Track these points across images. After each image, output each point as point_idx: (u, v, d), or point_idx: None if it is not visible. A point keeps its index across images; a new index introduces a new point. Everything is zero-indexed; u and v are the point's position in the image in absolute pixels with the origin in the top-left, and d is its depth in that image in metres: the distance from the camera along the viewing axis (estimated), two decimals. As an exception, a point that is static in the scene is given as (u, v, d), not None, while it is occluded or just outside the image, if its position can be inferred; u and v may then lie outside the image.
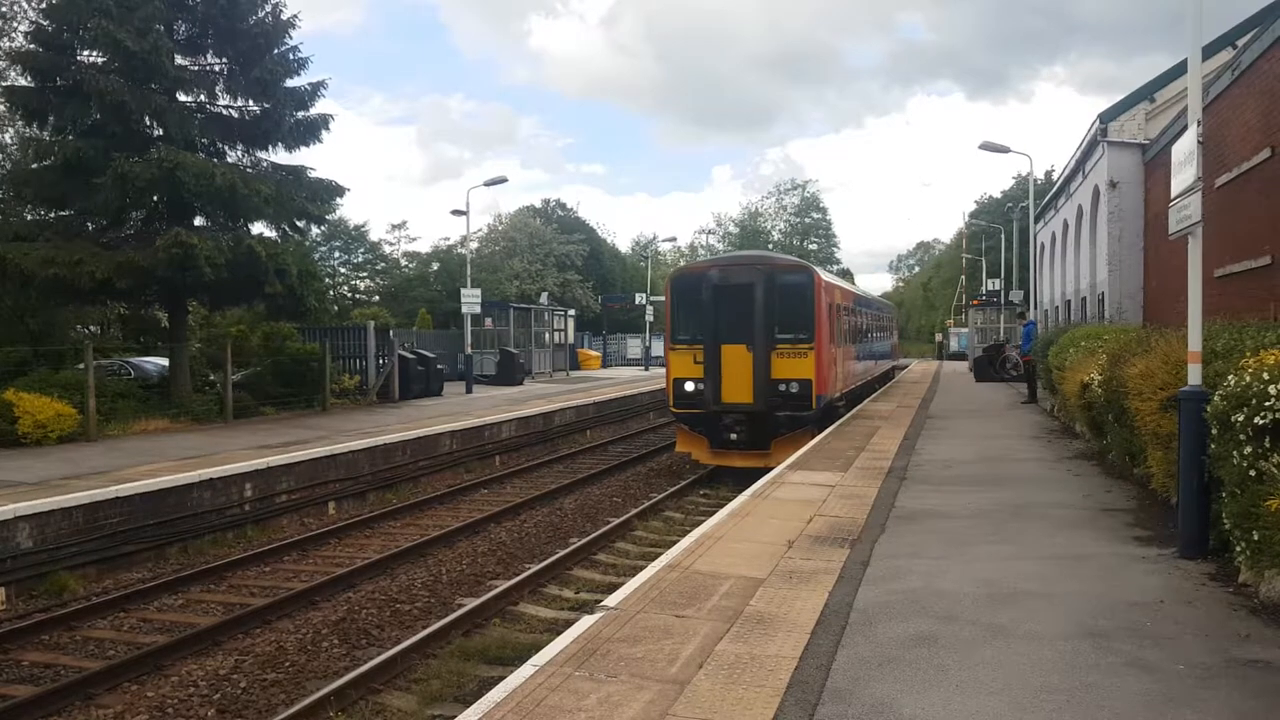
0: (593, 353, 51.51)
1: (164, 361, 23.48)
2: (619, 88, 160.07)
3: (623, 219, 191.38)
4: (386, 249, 66.46)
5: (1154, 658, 5.14)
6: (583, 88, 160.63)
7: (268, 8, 21.77)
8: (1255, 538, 5.78)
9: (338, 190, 23.35)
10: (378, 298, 60.18)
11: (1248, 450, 5.80)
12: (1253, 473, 5.76)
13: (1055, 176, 40.18)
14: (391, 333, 27.68)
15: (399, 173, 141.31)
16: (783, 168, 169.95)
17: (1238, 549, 6.23)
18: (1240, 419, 5.88)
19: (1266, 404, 5.66)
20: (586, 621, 5.97)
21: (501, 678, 5.22)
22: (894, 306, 50.14)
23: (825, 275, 18.77)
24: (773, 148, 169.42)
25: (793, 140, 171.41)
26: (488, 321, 37.84)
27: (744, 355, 16.70)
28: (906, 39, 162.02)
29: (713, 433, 17.19)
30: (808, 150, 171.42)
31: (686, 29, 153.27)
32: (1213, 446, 6.51)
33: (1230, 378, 6.35)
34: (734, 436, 16.84)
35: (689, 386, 17.15)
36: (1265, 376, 5.81)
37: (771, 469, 12.67)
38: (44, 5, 20.87)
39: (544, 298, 47.57)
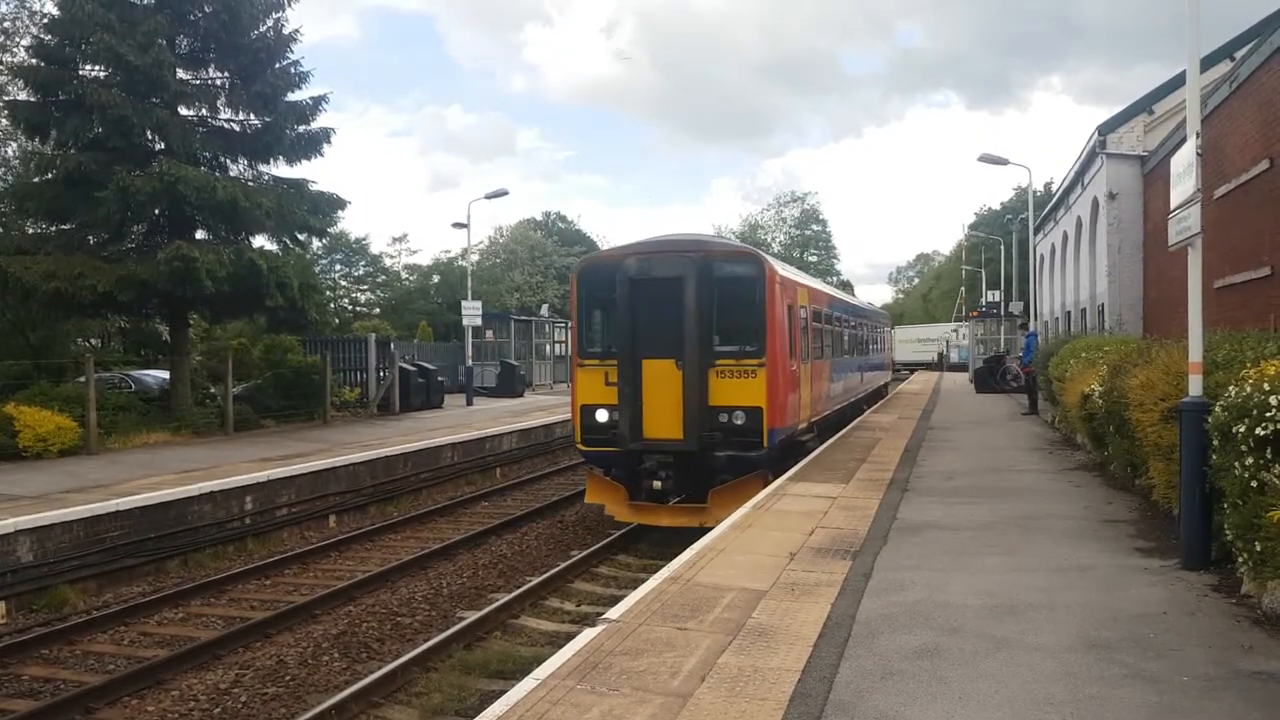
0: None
1: (165, 374, 23.48)
2: (617, 97, 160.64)
3: (623, 231, 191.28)
4: (387, 261, 66.72)
5: (1157, 669, 5.13)
6: (581, 97, 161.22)
7: (269, 22, 21.88)
8: (1258, 549, 5.78)
9: (339, 203, 23.42)
10: (378, 310, 60.27)
11: (1249, 461, 5.80)
12: (1254, 484, 5.76)
13: (1054, 188, 40.27)
14: (392, 345, 27.71)
15: (399, 185, 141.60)
16: (782, 178, 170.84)
17: (1240, 560, 6.22)
18: (1242, 430, 5.87)
19: (1268, 415, 5.66)
20: (588, 634, 5.96)
21: (503, 691, 5.21)
22: (887, 315, 42.88)
23: (783, 268, 14.80)
24: (772, 158, 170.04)
25: (792, 150, 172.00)
26: (488, 333, 37.89)
27: (671, 375, 12.71)
28: (905, 47, 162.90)
29: (631, 479, 13.26)
30: (807, 160, 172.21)
31: (684, 38, 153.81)
32: (1214, 457, 6.50)
33: (1231, 389, 6.35)
34: (658, 485, 12.81)
35: (601, 416, 13.29)
36: (1266, 387, 5.81)
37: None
38: (46, 20, 21.01)
39: (545, 310, 47.64)
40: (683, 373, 12.67)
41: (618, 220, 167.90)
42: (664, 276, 12.80)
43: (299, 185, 22.81)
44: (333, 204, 23.34)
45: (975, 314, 45.27)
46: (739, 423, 12.74)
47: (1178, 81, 20.54)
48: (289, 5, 21.98)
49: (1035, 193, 32.93)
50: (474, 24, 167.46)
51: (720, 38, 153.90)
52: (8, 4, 25.44)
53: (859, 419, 22.69)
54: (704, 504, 12.61)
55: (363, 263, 64.89)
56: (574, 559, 12.20)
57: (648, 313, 12.81)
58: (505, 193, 33.13)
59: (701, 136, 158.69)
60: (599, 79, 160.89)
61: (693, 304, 12.63)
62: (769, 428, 12.75)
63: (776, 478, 12.70)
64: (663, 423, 12.76)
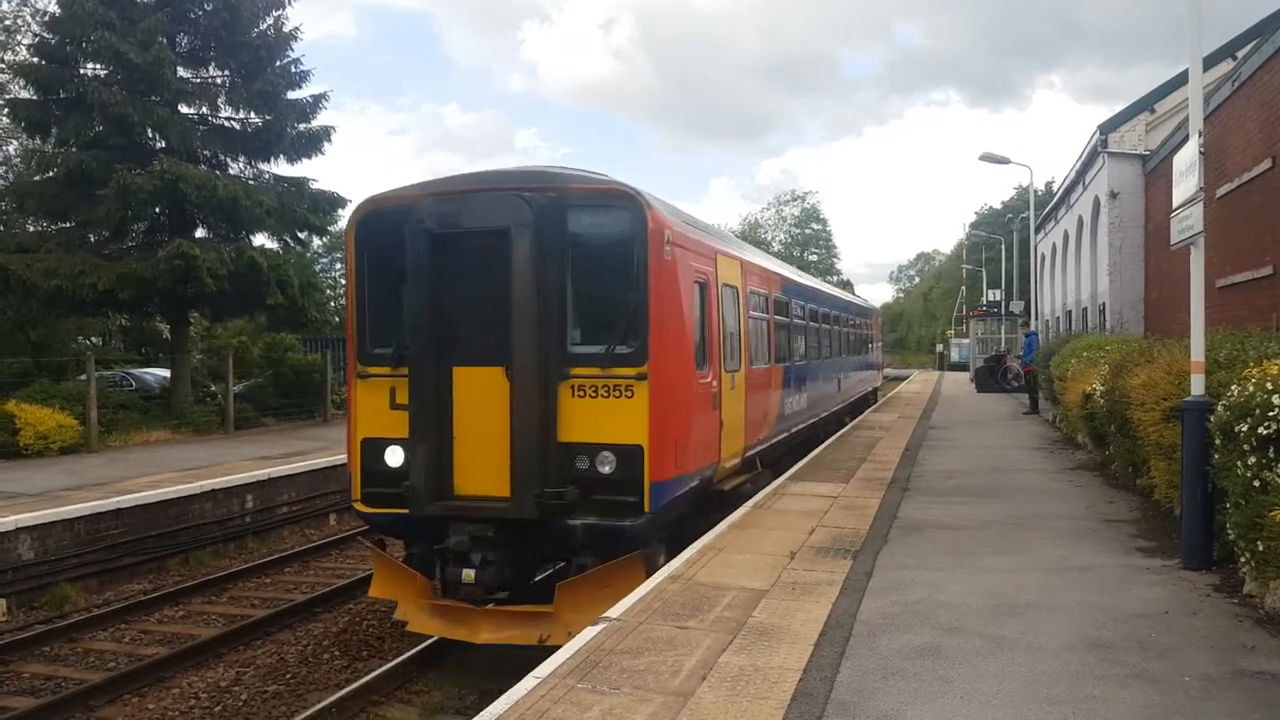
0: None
1: (165, 373, 23.52)
2: (615, 96, 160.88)
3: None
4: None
5: (1158, 669, 5.12)
6: (579, 96, 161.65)
7: (270, 20, 21.90)
8: (1260, 548, 5.76)
9: (339, 202, 23.43)
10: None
11: (1252, 461, 5.79)
12: (1257, 483, 5.75)
13: (1055, 187, 40.27)
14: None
15: (397, 183, 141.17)
16: (781, 177, 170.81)
17: (1242, 560, 6.21)
18: (1244, 429, 5.86)
19: (1270, 414, 5.65)
20: (589, 633, 5.95)
21: (504, 690, 5.20)
22: (875, 308, 35.58)
23: (680, 221, 9.15)
24: (771, 157, 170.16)
25: (791, 149, 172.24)
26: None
27: (496, 392, 8.04)
28: (904, 47, 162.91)
29: (430, 562, 8.51)
30: (806, 160, 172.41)
31: (682, 37, 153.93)
32: (1216, 457, 6.50)
33: (1234, 388, 6.34)
34: (469, 575, 7.99)
35: (393, 458, 8.43)
36: (1269, 387, 5.80)
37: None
38: (47, 18, 21.00)
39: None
40: (512, 388, 7.88)
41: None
42: (482, 229, 8.01)
43: (299, 184, 22.81)
44: (333, 202, 23.35)
45: (976, 313, 45.23)
46: (605, 471, 7.97)
47: (1179, 80, 20.52)
48: (289, 3, 22.13)
49: (1036, 192, 32.95)
50: (471, 22, 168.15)
51: (718, 37, 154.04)
52: (9, 2, 25.43)
53: (858, 419, 22.65)
54: (548, 606, 7.94)
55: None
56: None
57: (457, 290, 8.22)
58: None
59: (700, 135, 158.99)
60: (597, 78, 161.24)
61: (528, 274, 7.83)
62: (653, 480, 7.91)
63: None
64: (481, 471, 8.09)
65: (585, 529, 8.03)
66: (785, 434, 13.64)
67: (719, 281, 10.00)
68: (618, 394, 8.01)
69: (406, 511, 8.25)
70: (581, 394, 8.08)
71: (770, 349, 12.76)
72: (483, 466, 8.12)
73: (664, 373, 8.11)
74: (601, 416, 8.04)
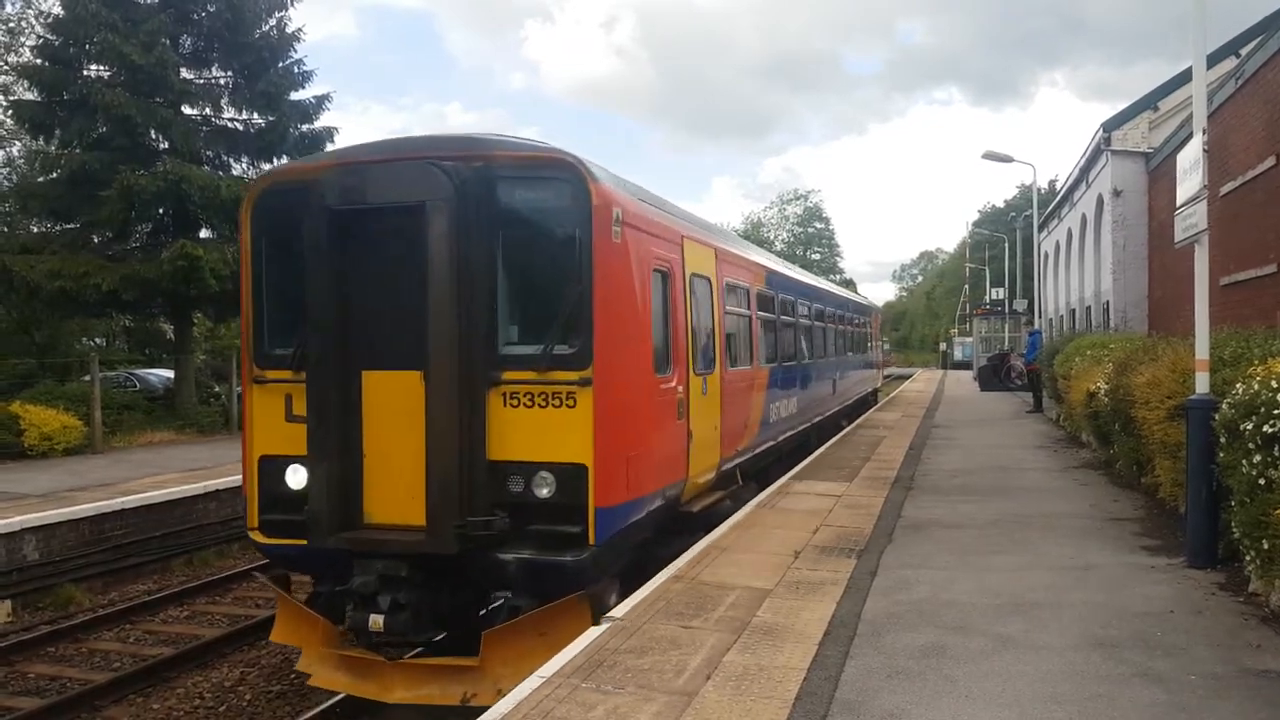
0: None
1: (169, 373, 23.55)
2: (617, 95, 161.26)
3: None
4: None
5: (1164, 668, 5.11)
6: (581, 95, 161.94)
7: (272, 21, 21.93)
8: (1265, 547, 5.75)
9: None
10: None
11: (1257, 459, 5.77)
12: (1262, 481, 5.73)
13: (1059, 185, 40.22)
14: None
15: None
16: (784, 176, 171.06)
17: (1247, 558, 6.20)
18: (1249, 427, 5.85)
19: (1276, 412, 5.63)
20: (593, 633, 5.95)
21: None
22: (875, 305, 33.55)
23: (635, 198, 7.84)
24: (773, 156, 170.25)
25: (793, 148, 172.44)
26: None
27: (413, 399, 6.81)
28: (905, 45, 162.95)
29: (338, 603, 7.03)
30: (809, 158, 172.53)
31: (683, 36, 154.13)
32: (1221, 455, 6.48)
33: (1239, 386, 6.33)
34: (377, 619, 6.65)
35: (296, 479, 7.18)
36: (1274, 384, 5.79)
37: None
38: (51, 20, 21.05)
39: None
40: (428, 396, 6.66)
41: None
42: (393, 205, 6.80)
43: (303, 184, 22.78)
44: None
45: (980, 311, 45.21)
46: (543, 495, 6.77)
47: (1183, 78, 20.49)
48: (292, 4, 22.07)
49: (1039, 190, 32.91)
50: (472, 22, 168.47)
51: (720, 35, 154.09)
52: (13, 4, 25.49)
53: (862, 417, 22.63)
54: (473, 659, 6.70)
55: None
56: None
57: (368, 279, 7.04)
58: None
59: (701, 134, 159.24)
60: (599, 76, 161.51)
61: (447, 258, 6.61)
62: (600, 505, 6.70)
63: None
64: (396, 496, 6.90)
65: (519, 565, 6.73)
66: (771, 443, 12.47)
67: (686, 271, 8.74)
68: (558, 402, 6.80)
69: (305, 544, 6.92)
70: (515, 403, 6.85)
71: (753, 349, 11.54)
72: (397, 490, 6.85)
73: (613, 377, 6.89)
74: (539, 430, 6.79)
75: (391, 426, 6.89)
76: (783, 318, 13.53)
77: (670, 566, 7.65)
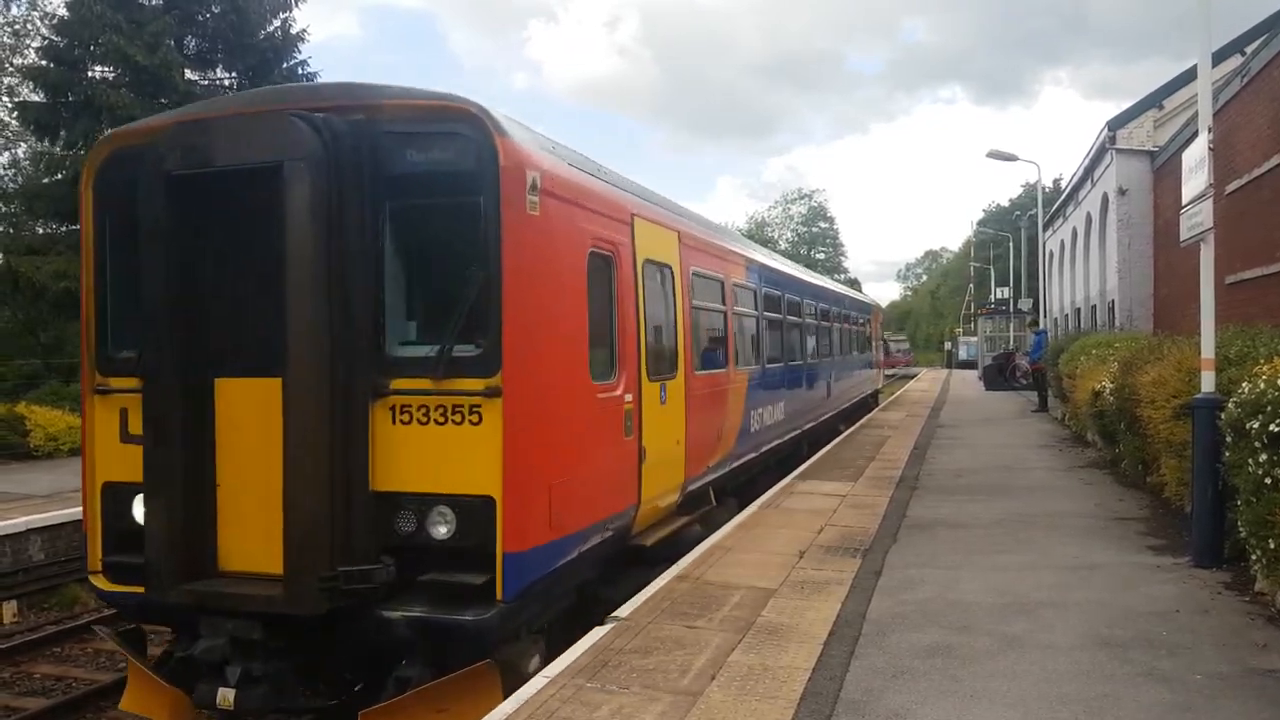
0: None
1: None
2: (619, 94, 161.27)
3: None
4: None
5: (1170, 667, 5.10)
6: (583, 95, 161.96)
7: (277, 22, 21.98)
8: (1271, 546, 5.74)
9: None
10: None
11: (1263, 458, 5.76)
12: (1268, 480, 5.72)
13: (1063, 184, 40.13)
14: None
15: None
16: (787, 175, 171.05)
17: (1253, 557, 6.18)
18: (1255, 426, 5.84)
19: (1281, 411, 5.62)
20: (598, 633, 5.95)
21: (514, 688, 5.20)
22: (874, 303, 31.34)
23: (564, 162, 6.41)
24: (776, 155, 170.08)
25: (797, 147, 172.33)
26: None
27: (274, 412, 5.33)
28: (909, 44, 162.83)
29: (188, 671, 5.67)
30: (812, 158, 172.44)
31: (686, 35, 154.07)
32: (1227, 454, 6.47)
33: (1245, 385, 6.31)
34: (226, 694, 5.30)
35: (139, 511, 5.76)
36: (1280, 383, 5.78)
37: None
38: (56, 22, 21.11)
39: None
40: (286, 410, 5.30)
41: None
42: (245, 167, 5.43)
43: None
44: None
45: (984, 311, 45.14)
46: (441, 535, 5.43)
47: (1188, 76, 20.42)
48: (296, 5, 22.08)
49: (1044, 189, 32.85)
50: (474, 22, 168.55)
51: (722, 35, 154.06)
52: (18, 6, 25.56)
53: (865, 418, 22.59)
54: None
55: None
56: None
57: (220, 262, 5.81)
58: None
59: (704, 134, 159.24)
60: (601, 76, 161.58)
61: (311, 234, 5.28)
62: (511, 549, 5.36)
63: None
64: (254, 537, 5.58)
65: (409, 624, 5.29)
66: (753, 454, 11.21)
67: (638, 256, 7.29)
68: (459, 418, 5.39)
69: (147, 596, 5.59)
70: (407, 418, 5.46)
71: (729, 350, 10.10)
72: (257, 529, 5.49)
73: (530, 385, 5.50)
74: (436, 452, 5.41)
75: (252, 448, 5.54)
76: (767, 314, 12.19)
77: (675, 566, 7.64)
